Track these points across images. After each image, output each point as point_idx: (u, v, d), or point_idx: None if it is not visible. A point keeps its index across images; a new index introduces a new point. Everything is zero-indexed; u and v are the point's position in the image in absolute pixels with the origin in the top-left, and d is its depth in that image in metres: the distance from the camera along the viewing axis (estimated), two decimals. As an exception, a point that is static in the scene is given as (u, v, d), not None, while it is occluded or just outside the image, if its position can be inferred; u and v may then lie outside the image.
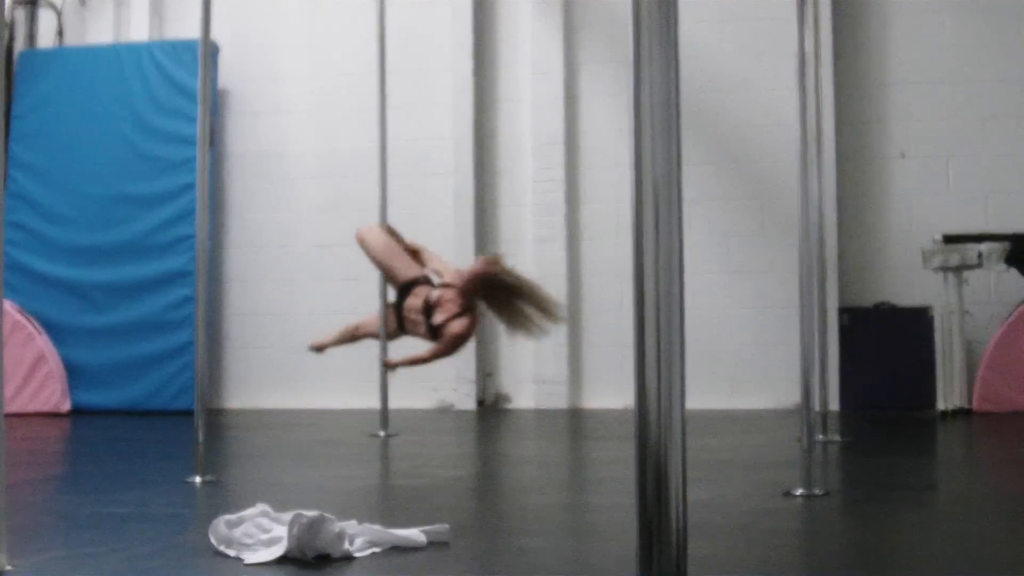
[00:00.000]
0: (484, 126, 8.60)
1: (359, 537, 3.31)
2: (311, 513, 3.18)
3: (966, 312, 7.47)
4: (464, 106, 8.46)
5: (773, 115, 7.99)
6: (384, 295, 6.40)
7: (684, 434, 1.64)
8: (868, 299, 8.08)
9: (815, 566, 3.27)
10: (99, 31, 9.14)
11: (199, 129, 5.00)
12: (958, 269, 7.31)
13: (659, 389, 1.63)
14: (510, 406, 8.42)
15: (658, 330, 1.64)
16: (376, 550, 3.27)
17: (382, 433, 6.53)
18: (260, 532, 3.29)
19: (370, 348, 6.79)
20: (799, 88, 4.49)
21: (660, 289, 1.64)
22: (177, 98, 8.50)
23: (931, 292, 7.59)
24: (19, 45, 9.07)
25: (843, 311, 7.89)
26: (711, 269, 8.12)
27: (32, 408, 8.11)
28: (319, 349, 6.32)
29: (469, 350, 8.23)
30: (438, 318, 5.79)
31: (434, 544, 3.34)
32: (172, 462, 5.41)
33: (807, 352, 4.46)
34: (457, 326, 5.76)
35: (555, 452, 6.33)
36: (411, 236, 8.35)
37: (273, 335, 8.69)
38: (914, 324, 7.73)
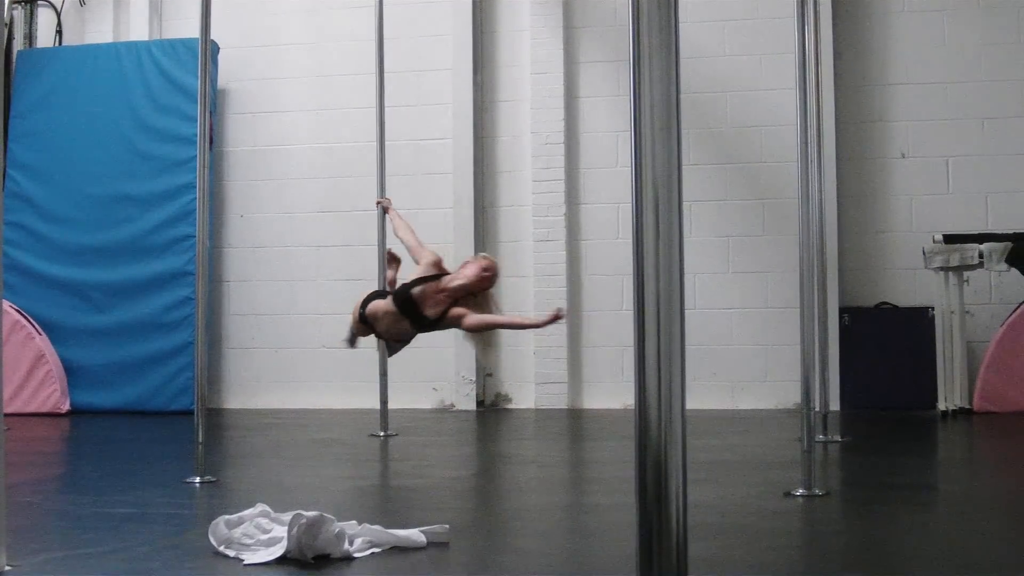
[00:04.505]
0: (484, 126, 8.60)
1: (359, 537, 3.31)
2: (311, 513, 3.18)
3: (967, 312, 7.47)
4: (464, 106, 8.46)
5: (773, 115, 7.99)
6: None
7: (684, 434, 1.64)
8: (868, 299, 8.08)
9: (815, 566, 3.27)
10: (98, 30, 9.13)
11: (199, 129, 5.01)
12: (959, 269, 7.31)
13: (659, 389, 1.63)
14: (510, 406, 8.42)
15: (658, 330, 1.63)
16: (376, 550, 3.27)
17: (382, 433, 6.53)
18: (260, 532, 3.29)
19: (370, 348, 6.78)
20: (799, 88, 4.49)
21: (660, 289, 1.64)
22: (176, 97, 8.49)
23: (932, 292, 7.59)
24: (18, 44, 9.06)
25: (843, 311, 7.89)
26: (711, 269, 8.12)
27: (31, 408, 8.10)
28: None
29: (469, 350, 8.24)
30: (432, 312, 5.36)
31: (434, 544, 3.34)
32: (172, 462, 5.41)
33: (807, 352, 4.46)
34: (458, 312, 5.32)
35: (555, 452, 6.33)
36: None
37: (273, 335, 8.69)
38: (915, 324, 7.73)
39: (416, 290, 5.39)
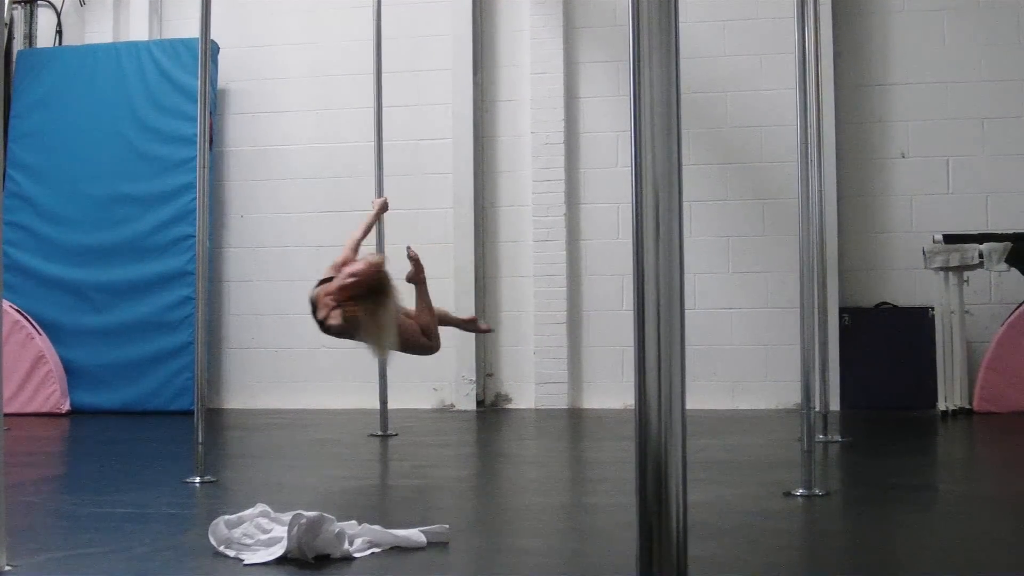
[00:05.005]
0: (484, 126, 8.61)
1: (359, 537, 3.31)
2: (311, 513, 3.18)
3: (967, 312, 7.47)
4: (464, 106, 8.46)
5: (773, 115, 7.99)
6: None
7: (684, 434, 1.63)
8: (868, 299, 8.08)
9: (815, 566, 3.27)
10: (98, 30, 9.13)
11: (199, 129, 5.01)
12: (959, 269, 7.31)
13: (659, 389, 1.62)
14: (510, 406, 8.42)
15: (658, 330, 1.63)
16: (376, 550, 3.27)
17: (382, 433, 6.53)
18: (260, 532, 3.29)
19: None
20: (799, 88, 4.49)
21: (660, 289, 1.63)
22: (176, 98, 8.50)
23: (932, 292, 7.59)
24: (18, 44, 9.07)
25: (843, 311, 7.89)
26: (711, 269, 8.12)
27: (31, 408, 8.10)
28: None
29: (469, 350, 8.26)
30: (320, 315, 5.34)
31: (434, 544, 3.34)
32: (172, 462, 5.41)
33: (807, 352, 4.45)
34: (333, 318, 5.26)
35: (555, 452, 6.33)
36: (411, 236, 8.38)
37: (273, 335, 8.69)
38: (915, 324, 7.73)
39: (313, 292, 5.39)
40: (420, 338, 5.75)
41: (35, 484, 4.78)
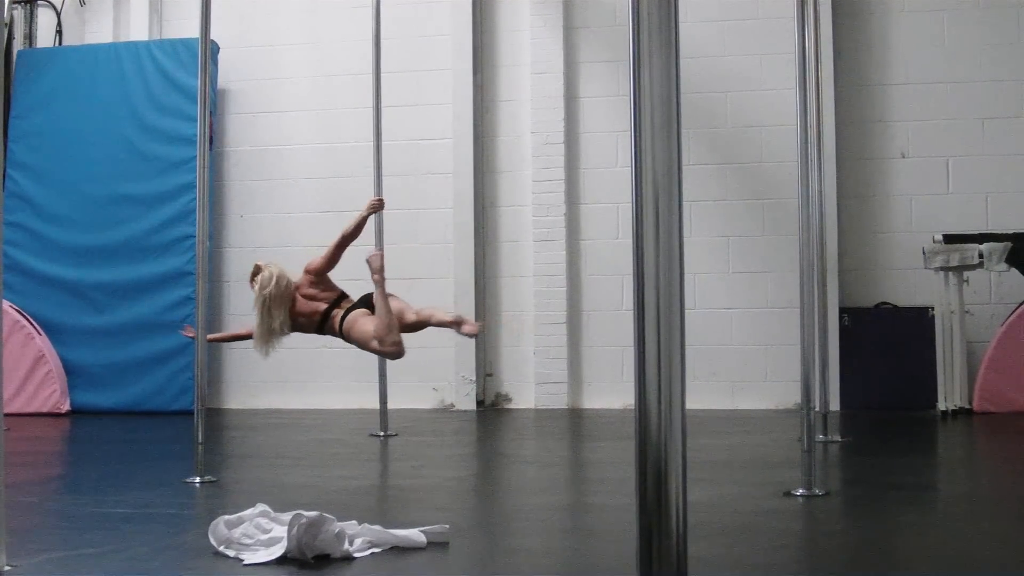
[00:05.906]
0: (484, 126, 8.61)
1: (359, 537, 3.31)
2: (311, 513, 3.18)
3: (967, 312, 7.47)
4: (464, 106, 8.46)
5: (773, 115, 7.99)
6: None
7: (684, 434, 1.63)
8: (868, 299, 8.08)
9: (815, 566, 3.27)
10: (98, 30, 9.13)
11: (199, 129, 5.01)
12: (958, 269, 7.31)
13: (659, 389, 1.62)
14: (510, 406, 8.42)
15: (658, 330, 1.63)
16: (376, 550, 3.28)
17: (382, 433, 6.53)
18: (260, 532, 3.29)
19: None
20: (799, 88, 4.49)
21: (660, 289, 1.63)
22: (177, 98, 8.50)
23: (931, 292, 7.59)
24: (18, 44, 9.07)
25: (843, 311, 7.89)
26: (711, 269, 8.12)
27: (32, 408, 8.10)
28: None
29: (469, 350, 8.26)
30: None
31: (434, 544, 3.35)
32: (172, 462, 5.41)
33: (807, 352, 4.46)
34: None
35: (555, 452, 6.33)
36: (411, 236, 8.41)
37: (273, 335, 8.68)
38: (914, 324, 7.73)
39: None
40: (370, 343, 5.68)
41: (35, 484, 4.78)
